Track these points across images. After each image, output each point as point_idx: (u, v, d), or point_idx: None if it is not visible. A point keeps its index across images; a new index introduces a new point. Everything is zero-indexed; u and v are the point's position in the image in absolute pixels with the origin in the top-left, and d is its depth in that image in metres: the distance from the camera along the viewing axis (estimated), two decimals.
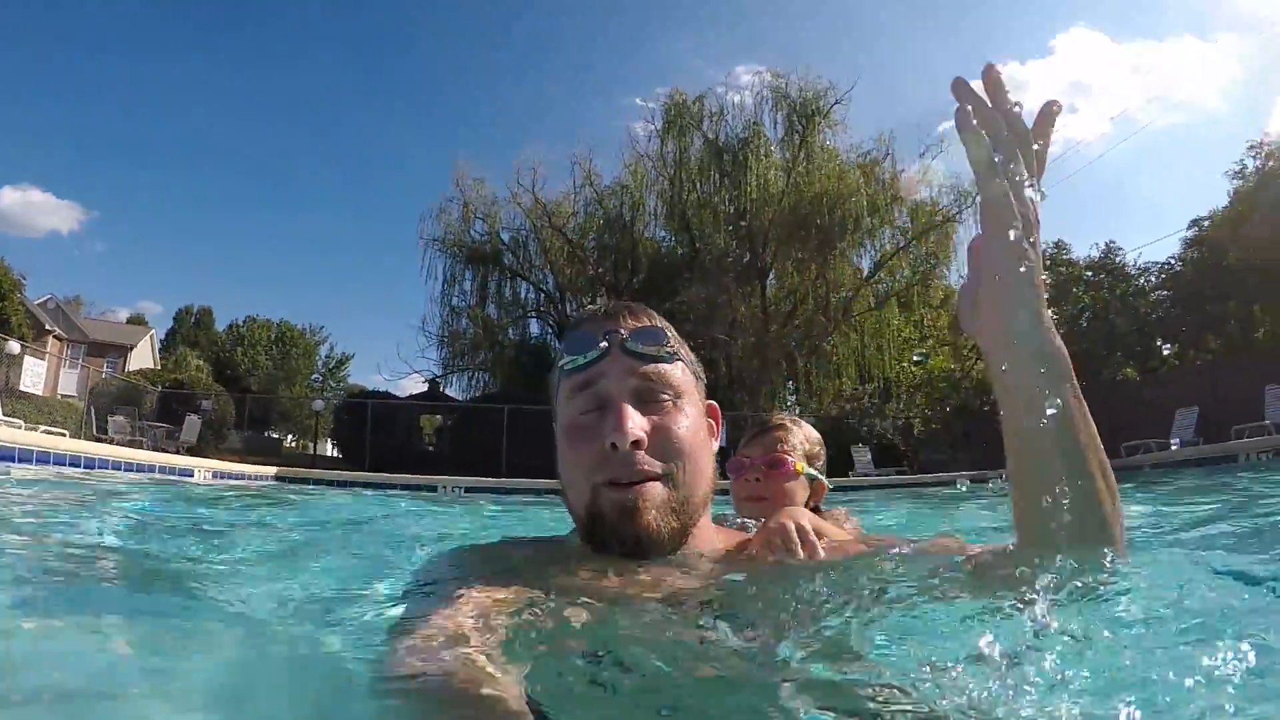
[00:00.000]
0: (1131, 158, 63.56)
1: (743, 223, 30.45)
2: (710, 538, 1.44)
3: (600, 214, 33.28)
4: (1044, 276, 1.14)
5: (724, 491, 1.69)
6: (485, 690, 0.85)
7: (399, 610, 1.15)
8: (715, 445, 1.46)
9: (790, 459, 2.34)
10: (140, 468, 11.99)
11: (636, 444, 1.28)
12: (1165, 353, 29.41)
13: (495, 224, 33.41)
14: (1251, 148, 26.25)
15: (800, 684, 1.03)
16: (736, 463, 2.37)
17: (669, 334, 1.40)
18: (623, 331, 1.36)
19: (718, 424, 1.51)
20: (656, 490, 1.30)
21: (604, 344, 1.35)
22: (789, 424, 2.46)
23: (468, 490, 15.23)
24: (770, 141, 31.15)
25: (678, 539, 1.33)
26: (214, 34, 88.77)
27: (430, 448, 33.11)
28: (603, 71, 77.99)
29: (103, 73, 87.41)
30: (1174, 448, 16.50)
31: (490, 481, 16.30)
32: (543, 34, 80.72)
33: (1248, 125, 50.43)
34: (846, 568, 1.32)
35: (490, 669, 0.91)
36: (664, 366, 1.36)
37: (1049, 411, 1.11)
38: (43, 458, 10.12)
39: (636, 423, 1.29)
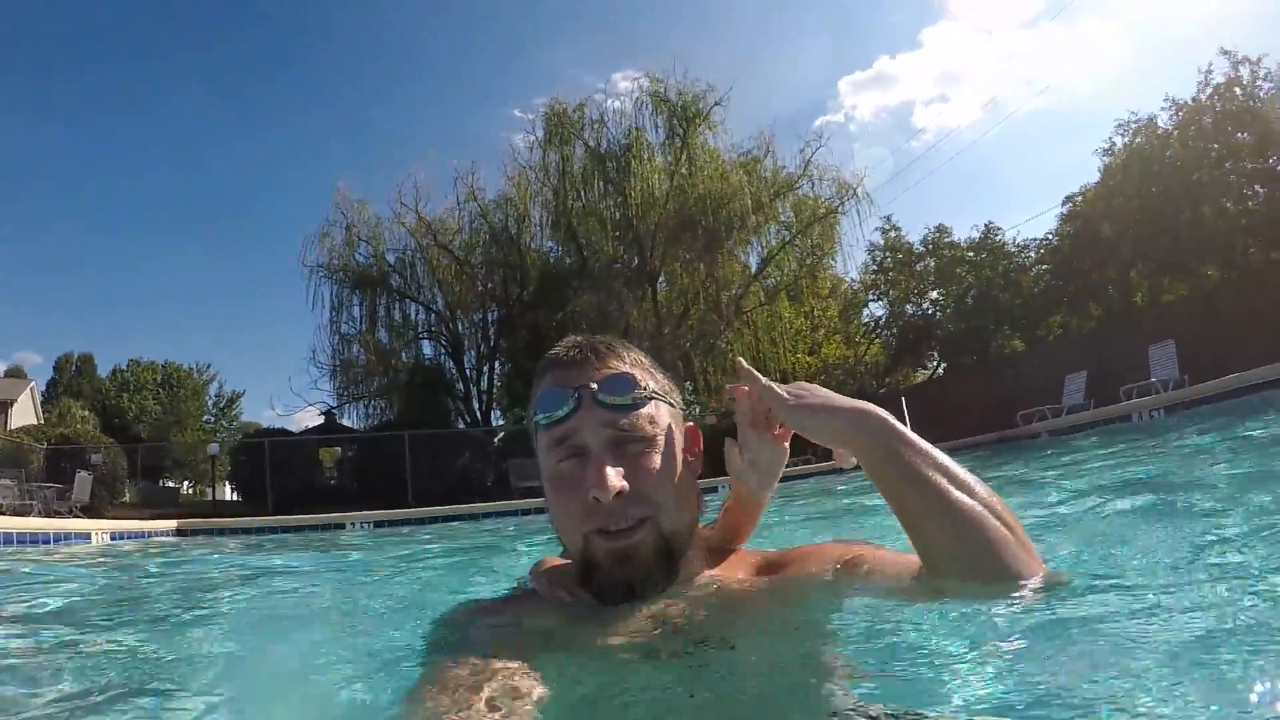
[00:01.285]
0: (1004, 142, 66.14)
1: (629, 228, 30.34)
2: (698, 562, 1.48)
3: (485, 228, 32.85)
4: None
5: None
6: None
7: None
8: (698, 469, 1.49)
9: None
10: (34, 539, 11.11)
11: (619, 494, 1.29)
12: (1051, 324, 30.48)
13: (380, 246, 32.79)
14: (1119, 125, 27.34)
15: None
16: None
17: (637, 376, 1.40)
18: (593, 385, 1.36)
19: (698, 446, 1.51)
20: (644, 534, 1.33)
21: (574, 399, 1.36)
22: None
23: (376, 525, 14.72)
24: (652, 146, 31.17)
25: (670, 577, 1.38)
26: (70, 70, 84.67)
27: (332, 481, 32.42)
28: (480, 84, 77.12)
29: None
30: (1066, 413, 16.98)
31: (399, 514, 15.85)
32: (417, 49, 79.49)
33: (1112, 106, 52.96)
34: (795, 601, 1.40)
35: None
36: (638, 412, 1.37)
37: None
38: None
39: (615, 473, 1.30)
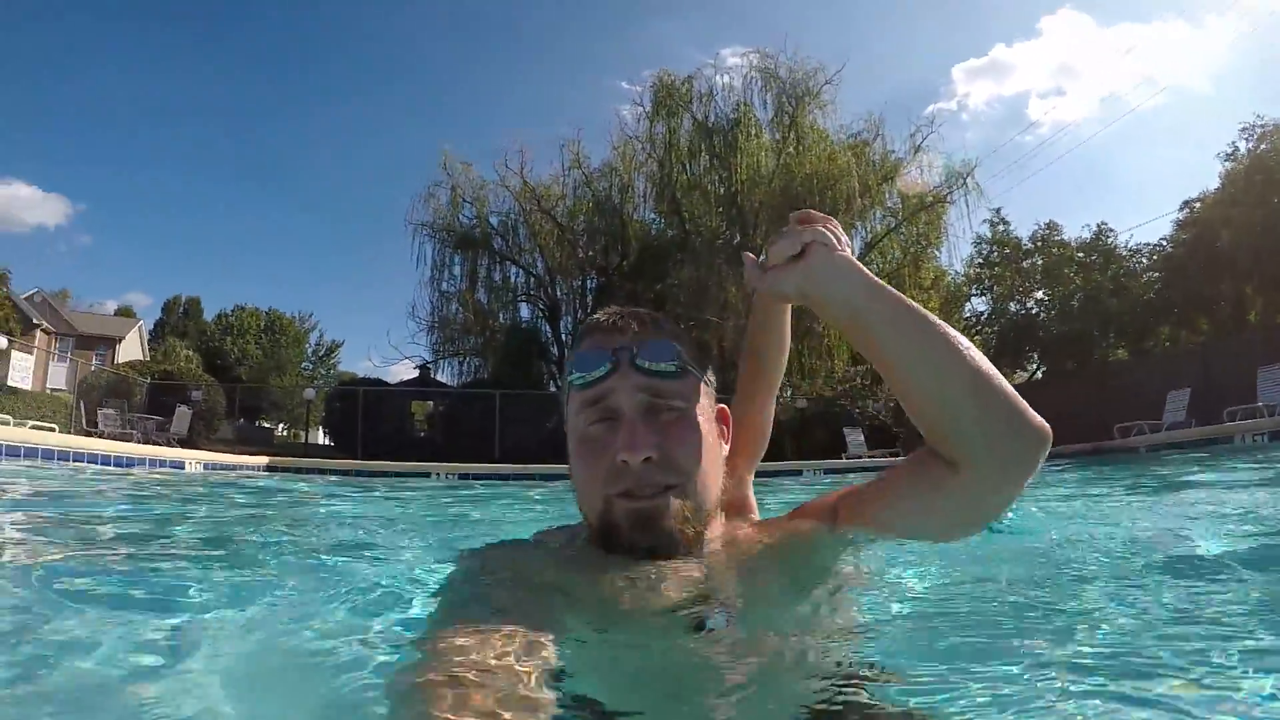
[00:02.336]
0: (1121, 140, 63.73)
1: (733, 204, 30.20)
2: (721, 535, 1.47)
3: (589, 196, 33.07)
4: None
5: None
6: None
7: (426, 638, 1.06)
8: (725, 450, 1.48)
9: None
10: (130, 461, 11.81)
11: (648, 459, 1.29)
12: (1158, 334, 29.37)
13: (484, 208, 33.19)
14: (1244, 130, 26.19)
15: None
16: None
17: (678, 347, 1.38)
18: (633, 347, 1.36)
19: (729, 428, 1.52)
20: (670, 502, 1.31)
21: (613, 360, 1.35)
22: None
23: (461, 477, 15.12)
24: (760, 122, 30.86)
25: (690, 547, 1.35)
26: (200, 30, 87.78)
27: (422, 434, 32.99)
28: (589, 56, 77.91)
29: (89, 67, 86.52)
30: (1166, 429, 16.48)
31: (483, 467, 16.19)
32: (529, 20, 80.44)
33: (1236, 109, 50.46)
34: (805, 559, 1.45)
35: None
36: (674, 381, 1.36)
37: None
38: (30, 453, 9.96)
39: (647, 439, 1.30)
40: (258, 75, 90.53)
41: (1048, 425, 1.23)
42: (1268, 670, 1.30)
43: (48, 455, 10.21)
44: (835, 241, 1.37)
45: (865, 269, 1.33)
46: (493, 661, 0.94)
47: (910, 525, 1.37)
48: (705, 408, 1.41)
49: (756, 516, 1.84)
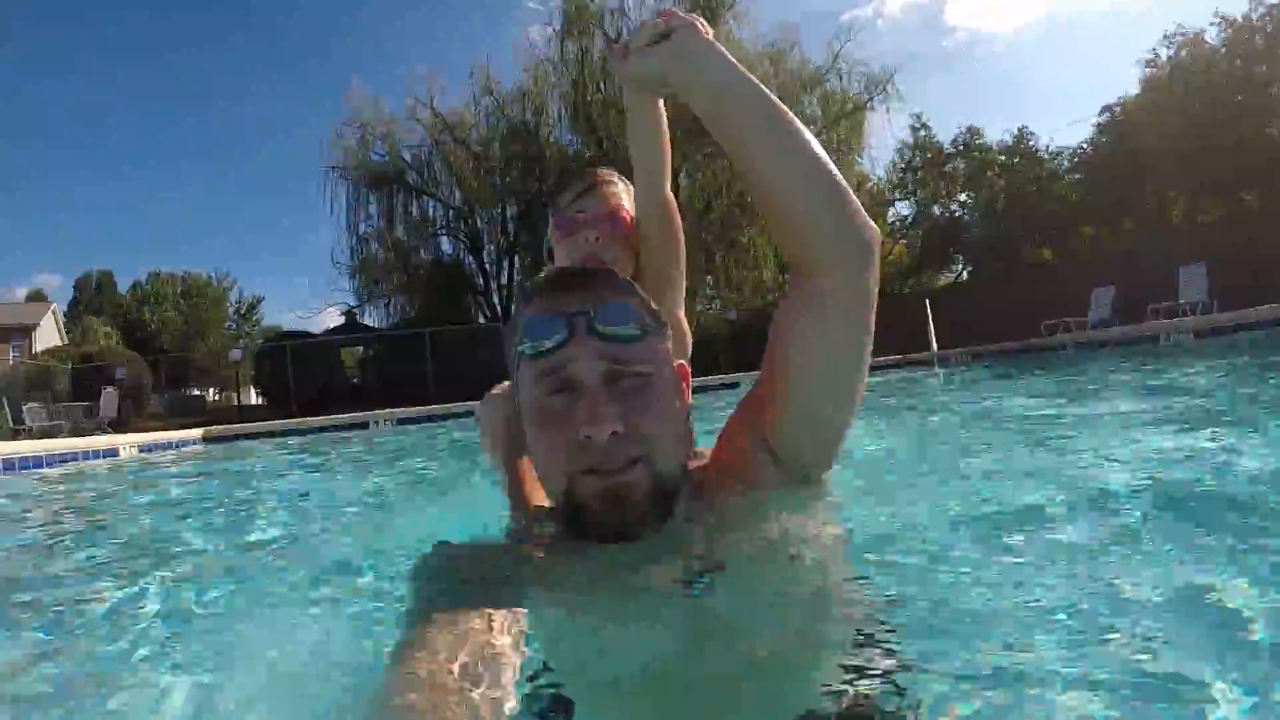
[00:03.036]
0: (1041, 45, 64.02)
1: None
2: (686, 498, 1.37)
3: (503, 123, 32.32)
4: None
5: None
6: None
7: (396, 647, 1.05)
8: (687, 409, 1.41)
9: (628, 217, 2.03)
10: (62, 459, 11.20)
11: (614, 434, 1.20)
12: (1082, 235, 29.91)
13: (395, 144, 32.37)
14: (1165, 37, 26.71)
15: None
16: (566, 220, 2.01)
17: (638, 308, 1.30)
18: (590, 311, 1.25)
19: (688, 385, 1.43)
20: (637, 475, 1.22)
21: (568, 326, 1.24)
22: (613, 176, 2.10)
23: (399, 422, 15.22)
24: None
25: (663, 517, 1.28)
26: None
27: (355, 381, 32.81)
28: None
29: None
30: (1091, 327, 16.83)
31: (420, 411, 16.17)
32: None
33: (1159, 17, 51.05)
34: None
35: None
36: (636, 345, 1.27)
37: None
38: None
39: (611, 411, 1.20)
40: (149, 32, 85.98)
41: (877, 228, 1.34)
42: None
43: None
44: (701, 28, 1.41)
45: (734, 60, 1.36)
46: (461, 680, 0.94)
47: (814, 360, 1.35)
48: (665, 369, 1.33)
49: (688, 343, 2.02)
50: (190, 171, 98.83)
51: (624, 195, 2.05)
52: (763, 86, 1.35)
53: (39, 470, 10.36)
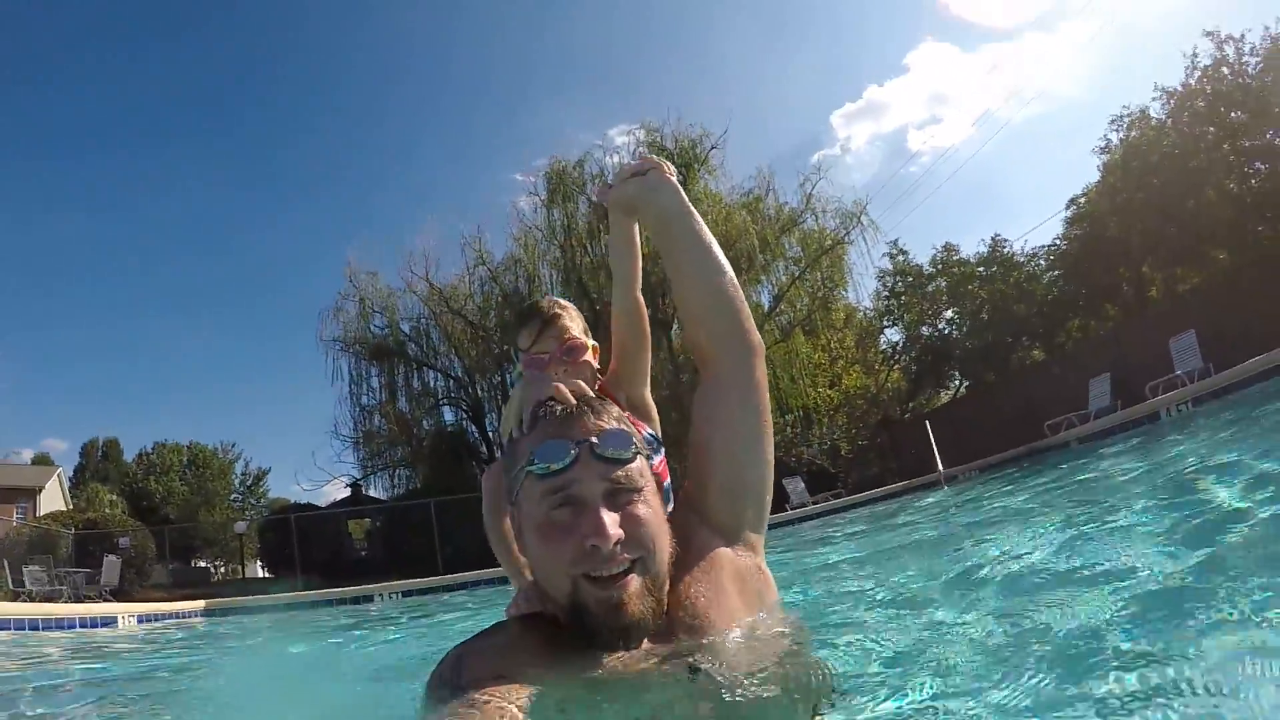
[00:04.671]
0: (1002, 153, 66.17)
1: (644, 280, 30.28)
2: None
3: (497, 291, 32.83)
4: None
5: None
6: None
7: None
8: (668, 508, 1.68)
9: (581, 339, 2.39)
10: (59, 624, 11.06)
11: (617, 542, 1.39)
12: (1068, 330, 30.14)
13: (394, 316, 32.83)
14: (1113, 121, 27.46)
15: None
16: (535, 360, 2.35)
17: (632, 433, 1.53)
18: (594, 440, 1.47)
19: (665, 478, 1.77)
20: (634, 581, 1.41)
21: (575, 452, 1.45)
22: (559, 308, 2.48)
23: (405, 594, 14.81)
24: None
25: (658, 615, 1.47)
26: (92, 153, 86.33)
27: (363, 553, 32.45)
28: (481, 151, 77.54)
29: None
30: (1094, 418, 16.72)
31: (427, 582, 15.86)
32: (418, 124, 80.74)
33: (1105, 104, 53.21)
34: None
35: None
36: (630, 465, 1.48)
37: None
38: None
39: (613, 522, 1.39)
40: (154, 205, 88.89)
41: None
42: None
43: None
44: (669, 171, 1.87)
45: (685, 196, 1.84)
46: None
47: (721, 434, 1.72)
48: (653, 482, 1.55)
49: (655, 418, 2.36)
50: (197, 344, 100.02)
51: (574, 322, 2.42)
52: (699, 220, 1.80)
53: (33, 633, 10.25)
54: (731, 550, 1.67)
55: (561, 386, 1.61)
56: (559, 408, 1.55)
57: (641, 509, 1.46)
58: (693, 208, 1.80)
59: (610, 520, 1.39)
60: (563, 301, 2.54)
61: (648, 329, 2.36)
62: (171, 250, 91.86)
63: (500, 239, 35.18)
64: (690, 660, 1.42)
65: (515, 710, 1.23)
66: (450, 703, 1.28)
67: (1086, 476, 7.84)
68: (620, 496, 1.45)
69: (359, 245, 45.67)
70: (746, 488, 1.72)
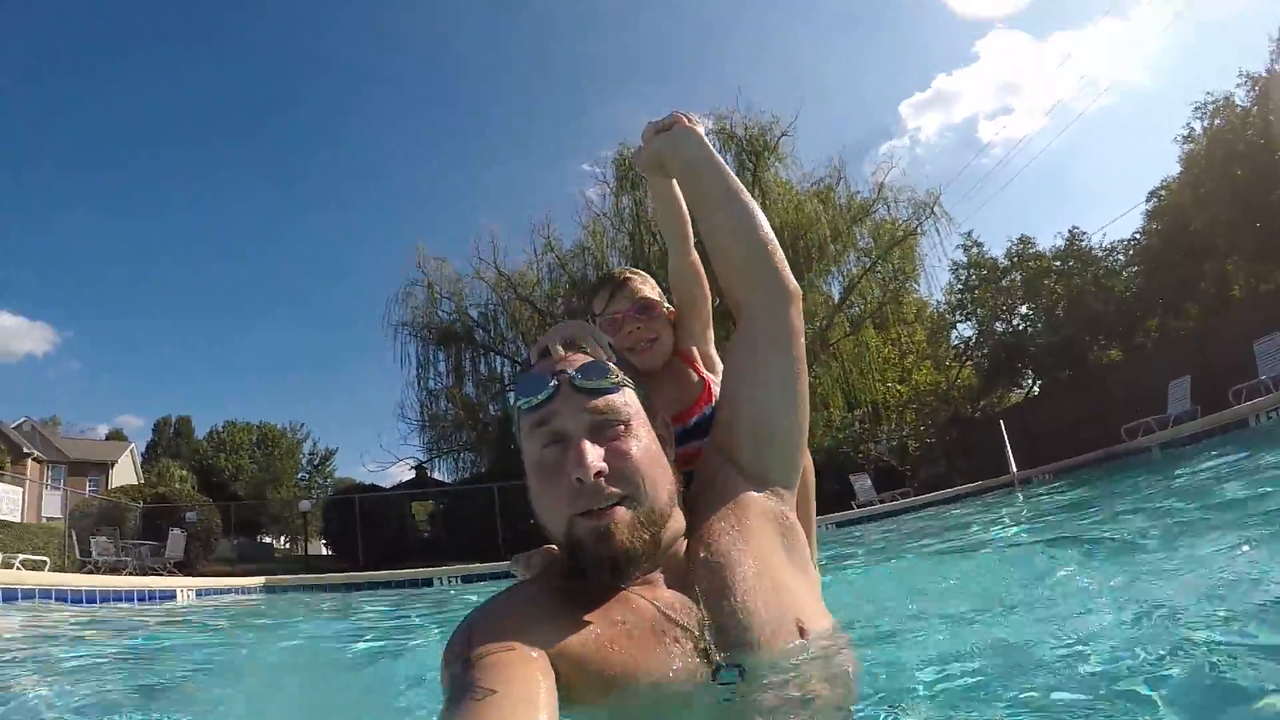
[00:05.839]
0: (1076, 144, 64.64)
1: (708, 265, 30.00)
2: (677, 528, 1.55)
3: (565, 278, 32.95)
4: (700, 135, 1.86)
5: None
6: None
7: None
8: (672, 454, 1.60)
9: (653, 297, 2.38)
10: (120, 596, 11.33)
11: (599, 474, 1.39)
12: (1148, 328, 29.27)
13: (462, 301, 33.05)
14: (1197, 109, 26.53)
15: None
16: (610, 323, 2.34)
17: (610, 365, 1.53)
18: (570, 371, 1.48)
19: (670, 435, 1.64)
20: (623, 513, 1.41)
21: (554, 383, 1.47)
22: (630, 272, 2.47)
23: (464, 579, 14.90)
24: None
25: (652, 549, 1.45)
26: (165, 146, 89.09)
27: (425, 535, 32.77)
28: (549, 142, 79.07)
29: (65, 193, 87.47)
30: (1173, 423, 16.12)
31: (486, 568, 15.82)
32: (487, 112, 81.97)
33: (1183, 93, 51.51)
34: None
35: None
36: (612, 396, 1.48)
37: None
38: (10, 595, 9.59)
39: (595, 455, 1.39)
40: (230, 192, 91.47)
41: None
42: None
43: (28, 595, 9.81)
44: (693, 120, 1.86)
45: (710, 144, 1.82)
46: None
47: (757, 380, 1.68)
48: (643, 416, 1.53)
49: (719, 369, 2.29)
50: (273, 325, 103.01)
51: (645, 284, 2.39)
52: (726, 167, 1.80)
53: (89, 606, 10.45)
54: (759, 493, 1.64)
55: (563, 330, 1.65)
56: (545, 346, 1.60)
57: (627, 442, 1.46)
58: (718, 156, 1.81)
59: (594, 453, 1.39)
60: (634, 269, 2.51)
61: (707, 286, 2.35)
62: (246, 242, 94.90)
63: (569, 227, 35.37)
64: (721, 659, 1.37)
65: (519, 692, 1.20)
66: (461, 676, 1.26)
67: (1180, 485, 7.45)
68: (605, 430, 1.45)
69: (428, 233, 46.14)
70: (776, 434, 1.69)
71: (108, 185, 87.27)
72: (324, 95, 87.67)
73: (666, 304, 2.39)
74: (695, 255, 2.29)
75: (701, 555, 1.50)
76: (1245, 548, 2.96)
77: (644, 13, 77.11)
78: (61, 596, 10.28)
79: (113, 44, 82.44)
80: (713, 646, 1.38)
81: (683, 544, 1.54)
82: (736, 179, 1.77)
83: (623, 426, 1.47)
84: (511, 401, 1.54)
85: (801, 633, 1.45)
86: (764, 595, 1.45)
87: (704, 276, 2.33)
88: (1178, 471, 8.75)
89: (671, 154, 1.85)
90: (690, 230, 2.23)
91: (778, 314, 1.70)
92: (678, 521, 1.54)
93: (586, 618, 1.40)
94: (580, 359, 1.53)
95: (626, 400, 1.51)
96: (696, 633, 1.39)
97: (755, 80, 73.97)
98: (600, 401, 1.46)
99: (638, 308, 2.32)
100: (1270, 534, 3.26)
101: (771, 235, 1.73)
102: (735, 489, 1.63)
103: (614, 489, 1.40)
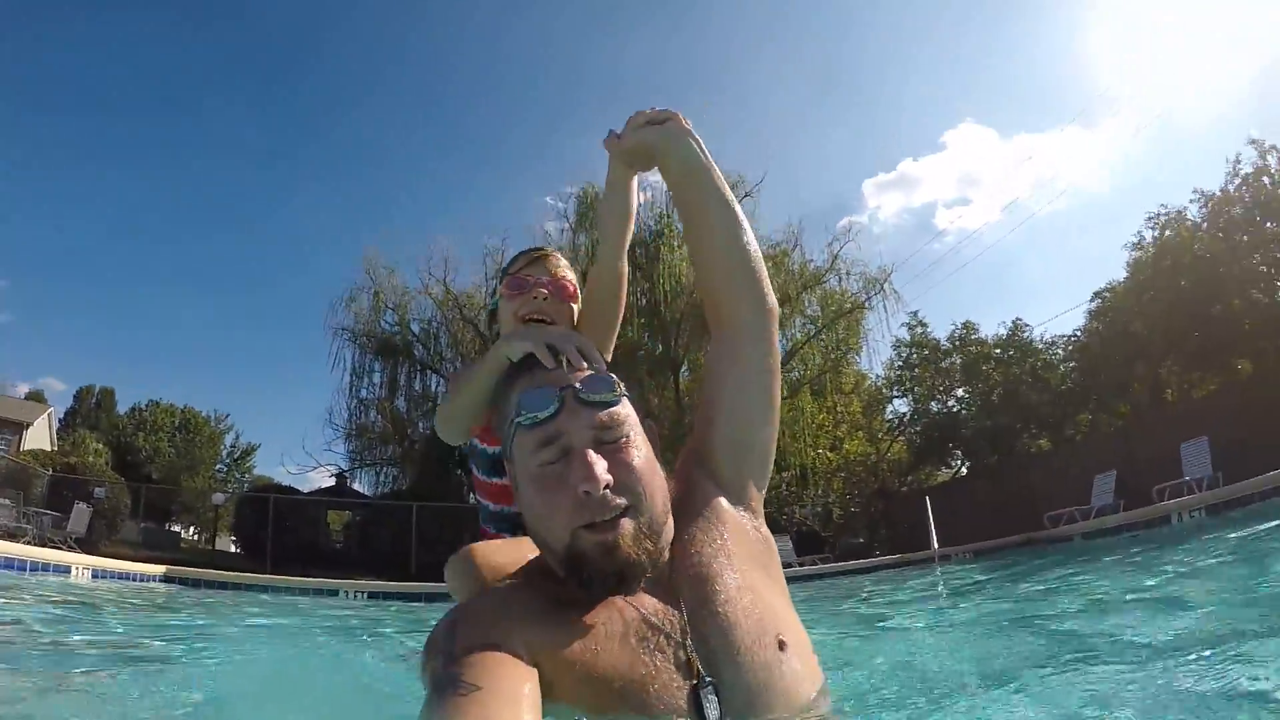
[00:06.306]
0: (1029, 240, 67.00)
1: (655, 315, 30.06)
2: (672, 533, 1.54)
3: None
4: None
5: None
6: None
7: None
8: (654, 454, 1.56)
9: (572, 280, 2.32)
10: (8, 563, 10.86)
11: (606, 486, 1.36)
12: (1079, 422, 29.94)
13: (406, 314, 32.71)
14: (1149, 218, 27.53)
15: None
16: (517, 281, 2.27)
17: (614, 377, 1.50)
18: (578, 385, 1.45)
19: (657, 439, 1.59)
20: (627, 524, 1.38)
21: (560, 398, 1.43)
22: (558, 253, 2.41)
23: (370, 596, 14.54)
24: (681, 234, 31.13)
25: (655, 558, 1.43)
26: (132, 111, 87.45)
27: (337, 545, 32.25)
28: (514, 166, 78.84)
29: (24, 140, 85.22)
30: (1095, 514, 16.37)
31: (395, 586, 15.55)
32: (456, 127, 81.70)
33: (1138, 201, 54.05)
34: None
35: None
36: (616, 409, 1.46)
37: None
38: None
39: (603, 467, 1.37)
40: (189, 168, 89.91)
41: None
42: None
43: None
44: (687, 121, 1.78)
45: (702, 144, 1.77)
46: None
47: (735, 392, 1.70)
48: (639, 427, 1.51)
49: None
50: (205, 311, 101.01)
51: (568, 269, 2.32)
52: (720, 175, 1.76)
53: None
54: (735, 507, 1.65)
55: (545, 337, 1.58)
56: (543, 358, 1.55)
57: (630, 452, 1.44)
58: (713, 162, 1.76)
59: (600, 466, 1.37)
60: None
61: (624, 300, 2.29)
62: (192, 218, 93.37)
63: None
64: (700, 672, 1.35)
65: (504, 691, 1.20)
66: (444, 672, 1.25)
67: (1101, 569, 7.50)
68: (608, 442, 1.43)
69: (379, 239, 45.57)
70: (754, 446, 1.71)
71: (69, 141, 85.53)
72: (307, 80, 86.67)
73: (578, 299, 2.31)
74: (625, 263, 2.23)
75: (684, 564, 1.50)
76: (1171, 632, 2.94)
77: (626, 51, 78.30)
78: None
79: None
80: (694, 656, 1.37)
81: (667, 552, 1.52)
82: (729, 191, 1.75)
83: (624, 438, 1.45)
84: (507, 418, 1.51)
85: (781, 645, 1.43)
86: (745, 607, 1.45)
87: (625, 289, 2.27)
88: (1101, 558, 8.91)
89: (669, 150, 1.76)
90: (629, 237, 2.16)
91: (763, 326, 1.73)
92: (670, 529, 1.52)
93: (570, 621, 1.39)
94: (583, 372, 1.50)
95: (627, 411, 1.49)
96: (678, 641, 1.38)
97: (724, 134, 74.92)
98: (605, 415, 1.44)
99: (554, 282, 2.25)
100: (1197, 621, 3.20)
101: (758, 250, 1.75)
102: (712, 498, 1.64)
103: (619, 500, 1.38)
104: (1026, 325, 30.97)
